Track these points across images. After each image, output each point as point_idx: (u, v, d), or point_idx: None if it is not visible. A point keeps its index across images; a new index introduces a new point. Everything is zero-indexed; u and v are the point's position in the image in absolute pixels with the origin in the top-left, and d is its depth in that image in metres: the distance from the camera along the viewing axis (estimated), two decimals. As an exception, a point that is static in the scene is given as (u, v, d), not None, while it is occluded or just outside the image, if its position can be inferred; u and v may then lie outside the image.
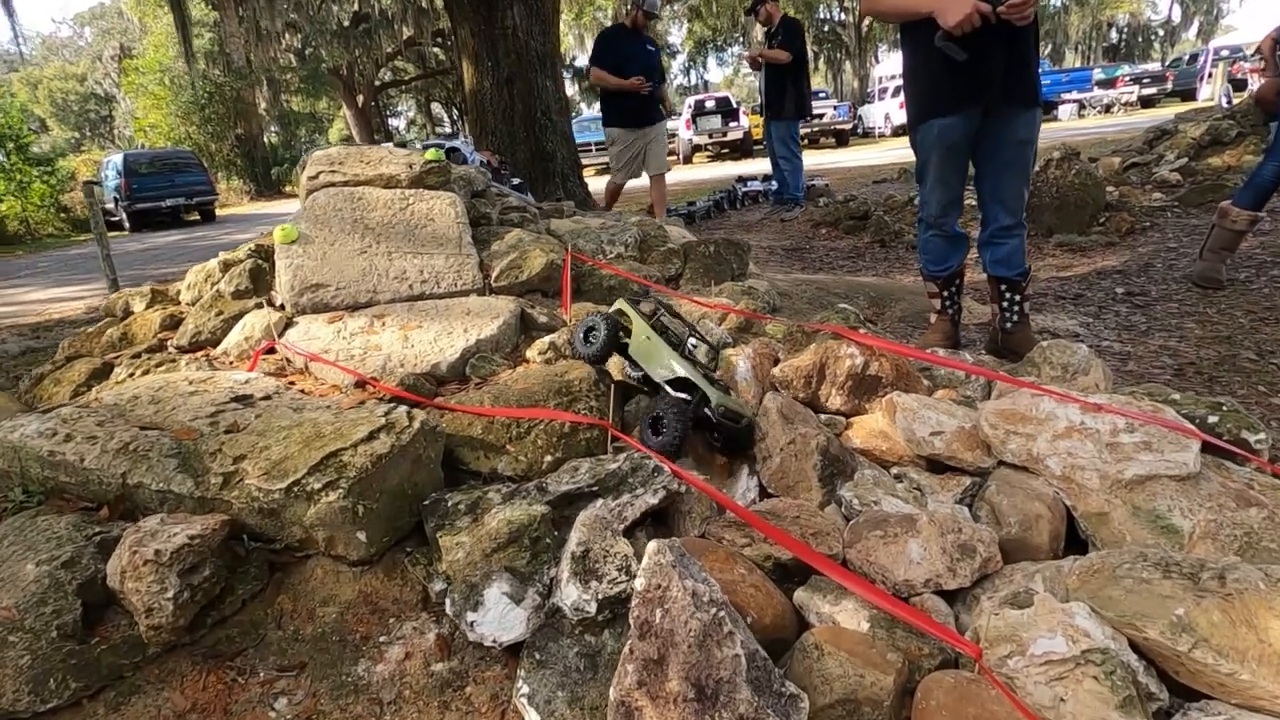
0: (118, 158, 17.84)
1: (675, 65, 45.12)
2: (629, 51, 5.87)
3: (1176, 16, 45.91)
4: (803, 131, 8.97)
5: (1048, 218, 4.83)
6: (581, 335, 1.91)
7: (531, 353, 2.16)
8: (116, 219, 16.69)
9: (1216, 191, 4.84)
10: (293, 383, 1.96)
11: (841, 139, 20.86)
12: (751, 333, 2.47)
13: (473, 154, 6.32)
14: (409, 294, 2.37)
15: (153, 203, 16.63)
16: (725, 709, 0.98)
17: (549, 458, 1.66)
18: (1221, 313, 3.01)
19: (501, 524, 1.31)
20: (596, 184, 8.34)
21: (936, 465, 1.78)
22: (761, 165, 10.43)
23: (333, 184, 2.64)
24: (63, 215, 18.05)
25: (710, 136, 21.05)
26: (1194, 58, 25.09)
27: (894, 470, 1.80)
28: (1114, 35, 47.90)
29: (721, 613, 1.06)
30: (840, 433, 1.94)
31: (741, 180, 8.80)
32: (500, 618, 1.19)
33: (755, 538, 1.50)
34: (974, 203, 3.49)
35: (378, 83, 31.84)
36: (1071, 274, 3.90)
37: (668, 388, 1.76)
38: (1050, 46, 43.20)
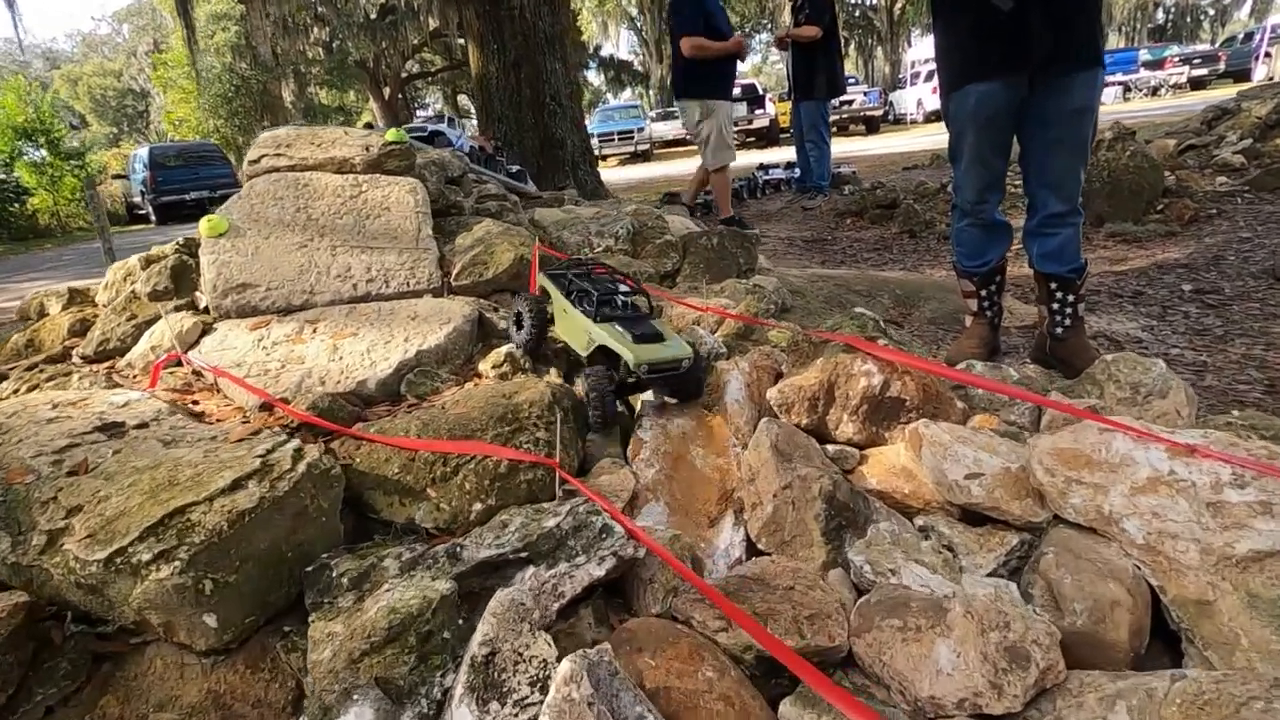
0: (144, 151, 17.97)
1: (701, 53, 44.48)
2: (711, 7, 5.01)
3: (1228, -6, 43.92)
4: (832, 118, 8.25)
5: (1098, 204, 4.35)
6: (513, 323, 1.82)
7: (485, 365, 1.83)
8: (143, 212, 16.80)
9: (1288, 173, 4.31)
10: (196, 403, 1.65)
11: (872, 125, 20.15)
12: (752, 340, 2.10)
13: (460, 138, 5.98)
14: (351, 295, 2.05)
15: (177, 195, 16.68)
16: None
17: (478, 505, 1.32)
18: (1315, 315, 2.55)
19: (382, 614, 0.98)
20: (620, 175, 7.97)
21: (974, 515, 1.41)
22: (787, 153, 9.97)
23: (276, 169, 2.33)
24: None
25: (735, 123, 20.54)
26: (1248, 36, 23.76)
27: (919, 520, 1.43)
28: (1160, 16, 45.99)
29: (651, 787, 0.71)
30: (852, 469, 1.57)
31: (763, 168, 8.37)
32: (353, 761, 0.86)
33: (734, 619, 1.15)
34: (1018, 187, 3.07)
35: (404, 74, 31.76)
36: (1128, 268, 3.45)
37: (587, 362, 1.66)
38: (1093, 28, 41.50)
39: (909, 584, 1.20)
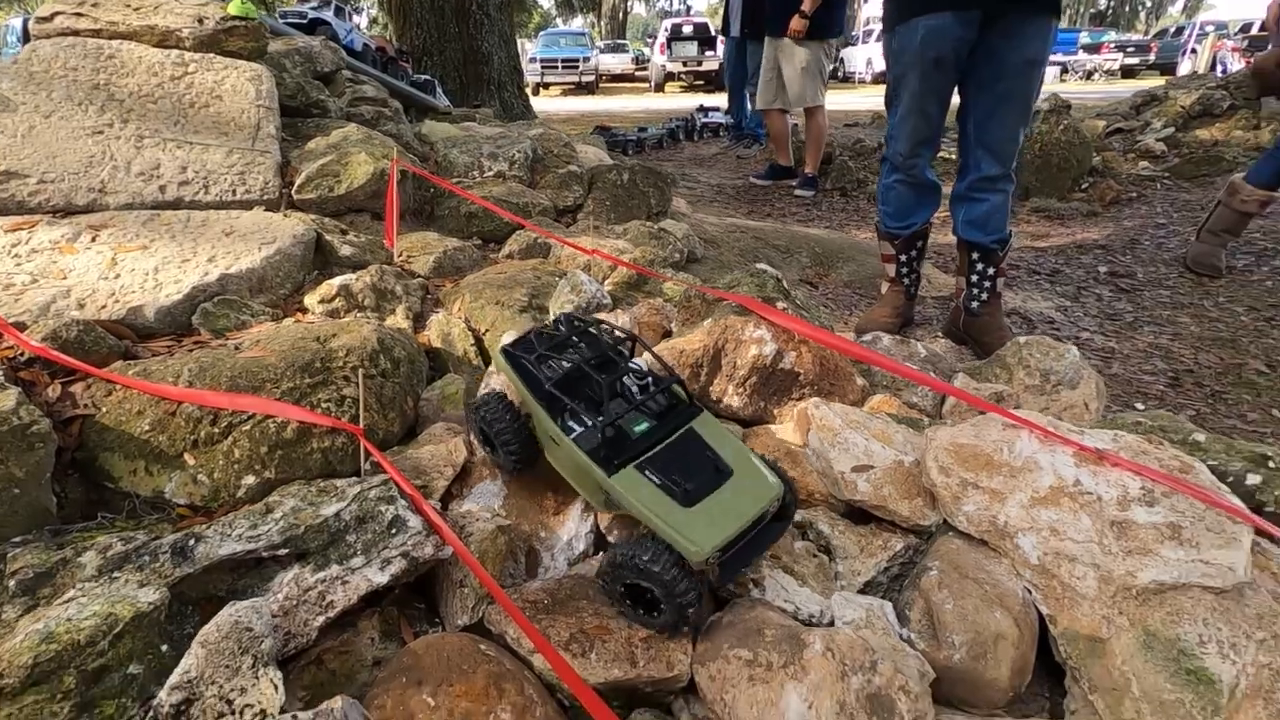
0: (16, 22, 15.76)
1: (657, -15, 42.72)
2: None
3: (1166, -12, 45.44)
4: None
5: (1027, 177, 4.27)
6: (480, 440, 1.16)
7: (312, 299, 1.50)
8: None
9: (1213, 164, 4.35)
10: (-94, 321, 1.26)
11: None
12: (644, 291, 1.85)
13: (350, 32, 5.31)
14: (157, 200, 1.66)
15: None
16: None
17: (250, 479, 1.04)
18: (1220, 307, 2.52)
19: (30, 641, 0.69)
20: (559, 105, 7.40)
21: (859, 512, 1.23)
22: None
23: (75, 31, 1.86)
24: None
25: (685, 65, 19.87)
26: (1179, 31, 24.59)
27: (798, 514, 1.24)
28: (1103, 1, 47.21)
29: None
30: (732, 449, 1.36)
31: (703, 109, 7.99)
32: None
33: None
34: (953, 153, 2.90)
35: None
36: (1048, 245, 3.37)
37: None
38: (1040, 6, 42.29)
39: (771, 598, 1.00)
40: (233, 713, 0.68)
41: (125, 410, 1.08)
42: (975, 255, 2.12)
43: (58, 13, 1.87)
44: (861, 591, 1.07)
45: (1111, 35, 24.74)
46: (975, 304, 2.14)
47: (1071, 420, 1.40)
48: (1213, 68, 14.99)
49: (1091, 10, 45.13)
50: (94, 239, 1.48)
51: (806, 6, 4.24)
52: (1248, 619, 0.92)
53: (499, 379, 1.30)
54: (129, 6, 1.94)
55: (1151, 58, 22.49)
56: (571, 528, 1.18)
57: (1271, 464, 1.17)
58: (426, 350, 1.49)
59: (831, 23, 4.41)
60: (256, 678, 0.71)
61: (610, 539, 1.15)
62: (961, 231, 2.13)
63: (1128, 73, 21.65)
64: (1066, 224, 3.76)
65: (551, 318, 1.62)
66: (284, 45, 2.41)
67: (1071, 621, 0.95)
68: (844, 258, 2.87)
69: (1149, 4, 48.20)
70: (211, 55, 1.95)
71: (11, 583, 0.80)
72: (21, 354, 1.16)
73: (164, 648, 0.76)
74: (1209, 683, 0.87)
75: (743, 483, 0.93)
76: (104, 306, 1.30)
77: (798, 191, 4.80)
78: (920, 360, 1.68)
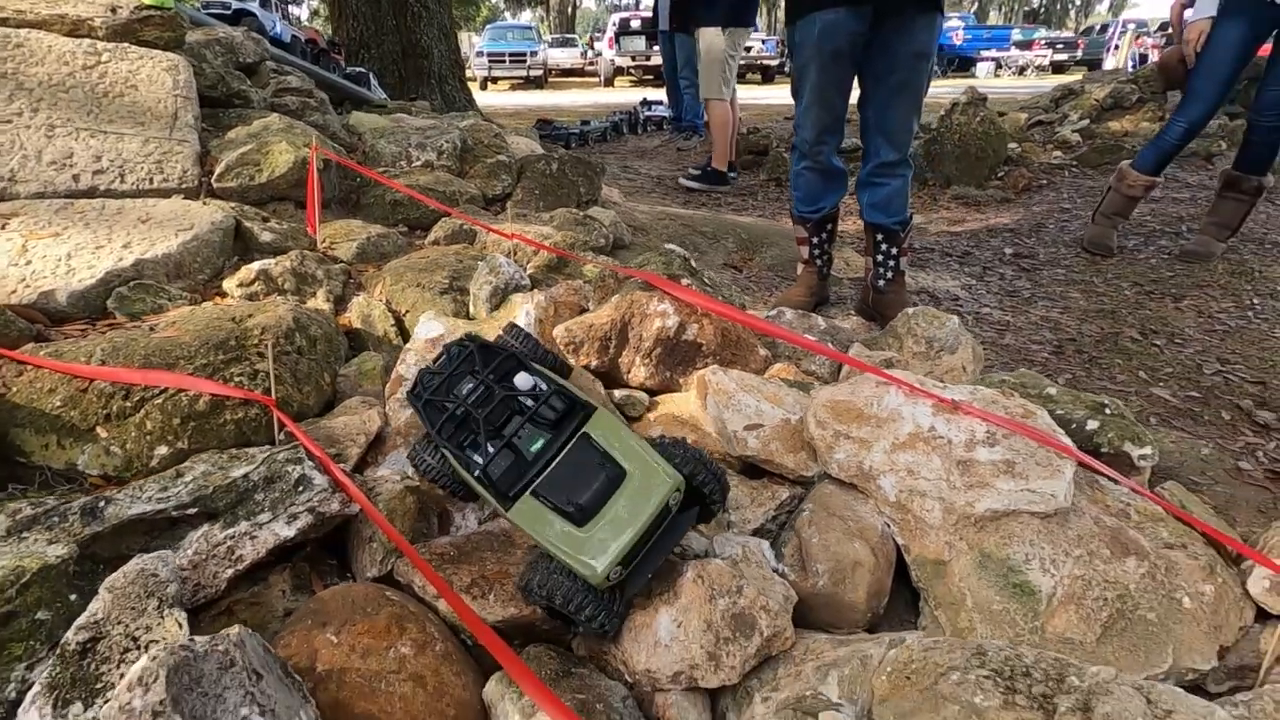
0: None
1: (606, -21, 42.56)
2: None
3: (1093, -13, 47.45)
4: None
5: (948, 167, 4.49)
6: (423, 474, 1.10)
7: (231, 284, 1.54)
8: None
9: (1115, 152, 4.64)
10: None
11: (767, 75, 20.14)
12: (564, 273, 1.93)
13: (276, 24, 5.23)
14: (70, 189, 1.67)
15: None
16: None
17: (163, 449, 1.08)
18: (1108, 283, 2.73)
19: (-61, 591, 0.74)
20: (506, 99, 7.37)
21: (754, 468, 1.34)
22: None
23: (-21, 20, 1.84)
24: None
25: (634, 59, 19.89)
26: (1104, 29, 25.74)
27: (696, 472, 1.34)
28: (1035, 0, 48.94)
29: (210, 820, 0.55)
30: (639, 415, 1.46)
31: (646, 103, 8.08)
32: None
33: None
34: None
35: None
36: (963, 229, 3.57)
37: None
38: (976, 3, 43.67)
39: (661, 543, 1.10)
40: (138, 649, 0.74)
41: (36, 389, 1.11)
42: (879, 236, 2.26)
43: (-40, 0, 1.85)
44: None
45: (1042, 32, 25.74)
46: (881, 282, 2.29)
47: (950, 381, 1.54)
48: (1140, 63, 15.77)
49: (1025, 8, 46.80)
50: (3, 227, 1.48)
51: None
52: (1068, 539, 1.06)
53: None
54: (37, -5, 1.92)
55: (1079, 54, 23.52)
56: (481, 490, 1.25)
57: (1108, 411, 1.33)
58: (347, 331, 1.54)
59: (739, 14, 4.40)
60: (162, 617, 0.77)
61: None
62: (866, 215, 2.28)
63: (1058, 68, 22.58)
64: (982, 210, 3.97)
65: (471, 299, 1.69)
66: (204, 35, 2.40)
67: (921, 549, 1.08)
68: (768, 243, 3.00)
69: (1078, 2, 50.23)
70: (126, 45, 1.94)
71: (-80, 545, 0.83)
72: (-72, 338, 1.17)
73: (73, 597, 0.81)
74: (1031, 593, 1.00)
75: (637, 483, 0.90)
76: (14, 291, 1.32)
77: (683, 181, 4.74)
78: (819, 332, 1.80)
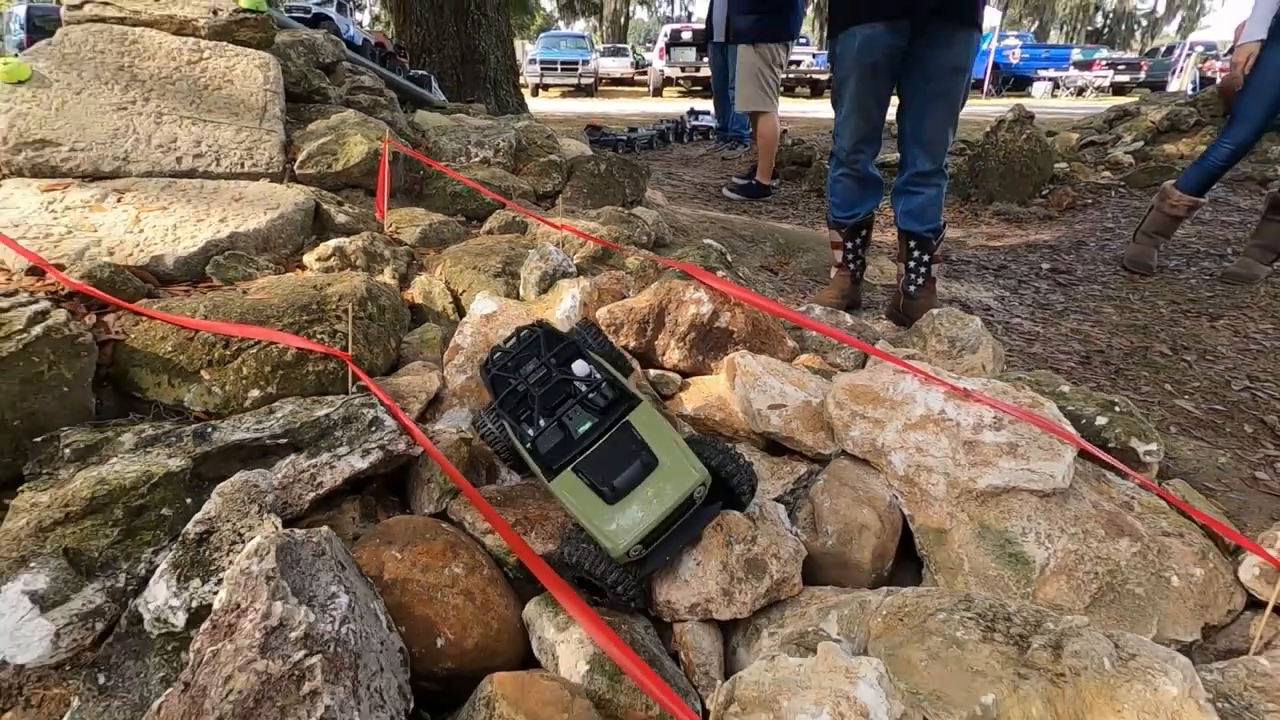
0: (20, 10, 15.86)
1: (659, -9, 42.99)
2: None
3: (1161, 8, 45.98)
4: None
5: (991, 184, 4.51)
6: (490, 445, 1.18)
7: (310, 258, 1.71)
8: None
9: (1165, 174, 4.58)
10: (-43, 261, 1.47)
11: (817, 89, 20.13)
12: (609, 265, 2.06)
13: (350, 28, 5.52)
14: (174, 169, 1.87)
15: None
16: (263, 820, 0.62)
17: (255, 392, 1.25)
18: (1144, 300, 2.75)
19: (87, 484, 0.90)
20: (557, 106, 7.60)
21: (777, 446, 1.44)
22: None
23: (102, 19, 2.07)
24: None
25: (683, 70, 20.08)
26: (1169, 50, 25.02)
27: (722, 447, 1.45)
28: (1099, 19, 47.70)
29: (311, 659, 0.68)
30: (672, 394, 1.57)
31: (693, 113, 8.22)
32: (13, 630, 0.79)
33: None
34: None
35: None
36: (1002, 244, 3.60)
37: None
38: (1037, 22, 42.77)
39: (685, 500, 1.21)
40: (243, 542, 0.89)
41: (150, 336, 1.29)
42: (912, 243, 2.34)
43: (87, 1, 2.08)
44: (766, 503, 1.28)
45: (1104, 53, 25.07)
46: (912, 288, 2.37)
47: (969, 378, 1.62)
48: (1200, 86, 15.32)
49: (1088, 28, 45.66)
50: (119, 200, 1.68)
51: None
52: (1065, 518, 1.14)
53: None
54: (151, -3, 2.14)
55: (1142, 75, 22.87)
56: (526, 448, 1.39)
57: (1117, 409, 1.39)
58: (410, 305, 1.69)
59: (778, 28, 4.49)
60: (261, 519, 0.92)
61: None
62: (900, 222, 2.36)
63: (1119, 90, 21.98)
64: (1023, 226, 3.99)
65: (522, 283, 1.83)
66: (290, 37, 2.62)
67: (925, 518, 1.17)
68: (805, 249, 3.09)
69: (1144, 23, 48.79)
70: (224, 44, 2.16)
71: (67, 450, 1.00)
72: (62, 289, 1.36)
73: (188, 500, 0.97)
74: (1025, 563, 1.09)
75: (667, 473, 0.99)
76: (130, 255, 1.51)
77: (725, 191, 4.87)
78: (846, 328, 1.90)
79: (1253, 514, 1.54)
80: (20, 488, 0.97)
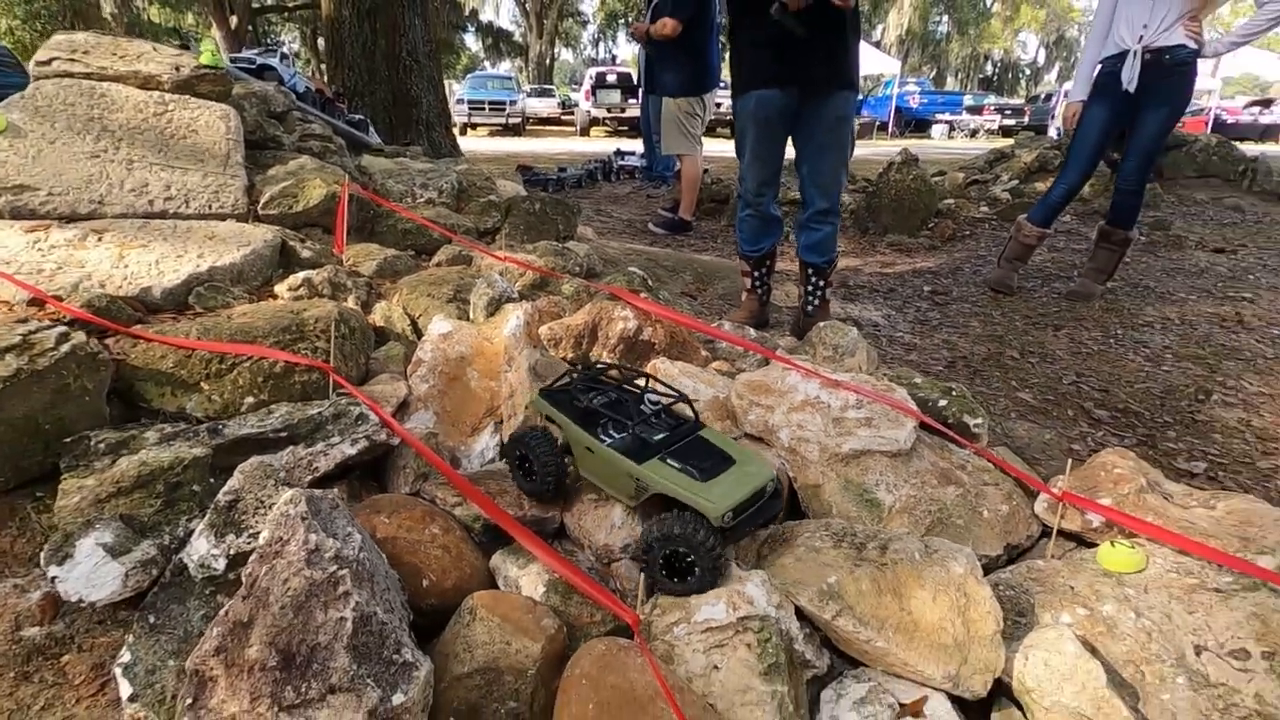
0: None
1: (585, 35, 44.21)
2: None
3: (1041, 59, 50.63)
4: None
5: (885, 218, 5.07)
6: (516, 464, 1.36)
7: (281, 288, 1.93)
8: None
9: (1029, 209, 5.27)
10: (-47, 296, 1.62)
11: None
12: (546, 291, 2.35)
13: (293, 77, 5.71)
14: (147, 211, 2.05)
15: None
16: (316, 678, 0.85)
17: (250, 399, 1.46)
18: (1004, 315, 3.24)
19: (133, 465, 1.11)
20: (486, 145, 7.86)
21: (691, 434, 1.75)
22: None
23: (69, 74, 2.24)
24: None
25: (609, 111, 20.78)
26: (1048, 97, 27.63)
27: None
28: (989, 68, 52.02)
29: (342, 571, 0.93)
30: (605, 397, 1.86)
31: (619, 153, 8.67)
32: (90, 573, 1.00)
33: (470, 497, 1.39)
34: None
35: (256, 3, 28.58)
36: (892, 271, 4.10)
37: (638, 513, 1.26)
38: (935, 69, 46.35)
39: (618, 475, 1.50)
40: (265, 507, 1.12)
41: (150, 356, 1.49)
42: (810, 271, 2.74)
43: (55, 58, 2.25)
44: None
45: (992, 99, 27.53)
46: (810, 308, 2.76)
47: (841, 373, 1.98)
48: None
49: (980, 75, 49.76)
50: (99, 239, 1.86)
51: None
52: (908, 472, 1.49)
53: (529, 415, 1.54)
54: (115, 54, 2.33)
55: (1026, 119, 25.19)
56: (484, 442, 1.65)
57: (954, 393, 1.78)
58: (373, 328, 1.93)
59: (698, 81, 4.94)
60: (277, 490, 1.15)
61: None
62: (801, 253, 2.76)
63: (1007, 132, 24.11)
64: (911, 255, 4.53)
65: (472, 307, 2.09)
66: (242, 89, 2.83)
67: (805, 478, 1.49)
68: (721, 277, 3.47)
69: (1028, 71, 53.47)
70: (187, 97, 2.36)
71: (100, 445, 1.20)
72: (63, 317, 1.54)
73: (211, 480, 1.18)
74: (877, 505, 1.42)
75: (746, 467, 1.18)
76: (120, 286, 1.70)
77: (651, 226, 5.32)
78: (750, 338, 2.24)
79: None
80: (62, 476, 1.17)
